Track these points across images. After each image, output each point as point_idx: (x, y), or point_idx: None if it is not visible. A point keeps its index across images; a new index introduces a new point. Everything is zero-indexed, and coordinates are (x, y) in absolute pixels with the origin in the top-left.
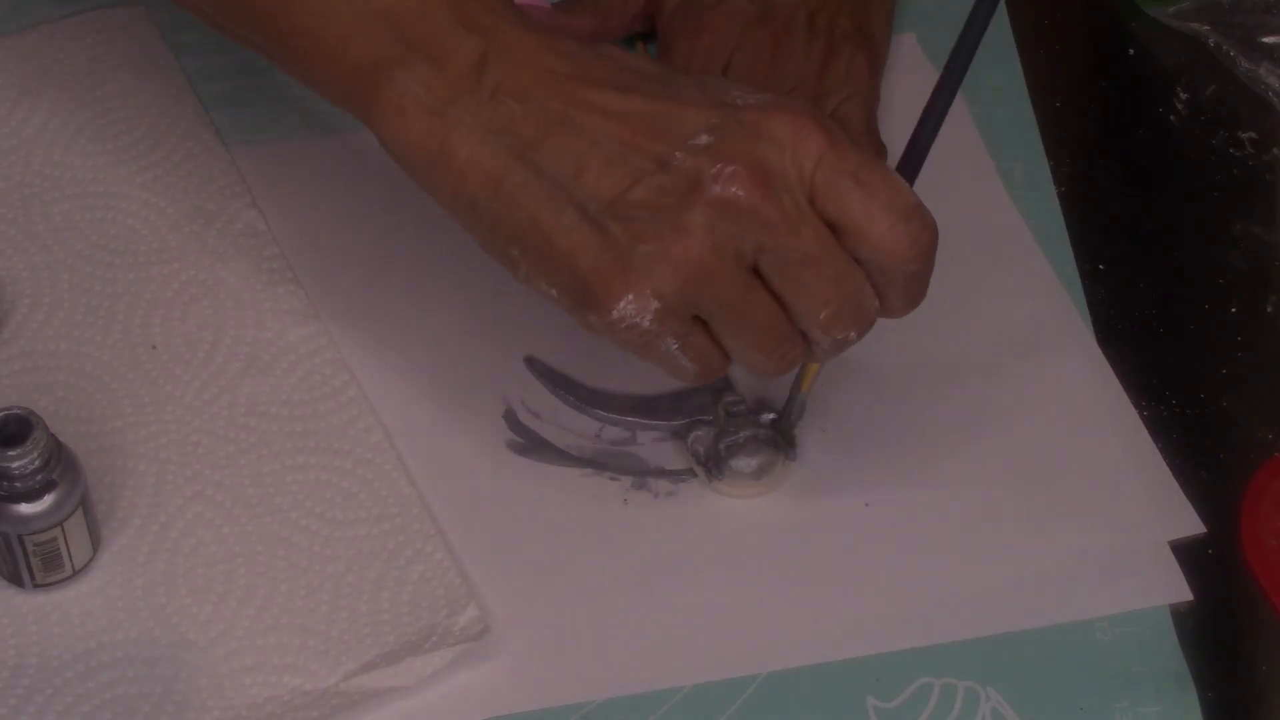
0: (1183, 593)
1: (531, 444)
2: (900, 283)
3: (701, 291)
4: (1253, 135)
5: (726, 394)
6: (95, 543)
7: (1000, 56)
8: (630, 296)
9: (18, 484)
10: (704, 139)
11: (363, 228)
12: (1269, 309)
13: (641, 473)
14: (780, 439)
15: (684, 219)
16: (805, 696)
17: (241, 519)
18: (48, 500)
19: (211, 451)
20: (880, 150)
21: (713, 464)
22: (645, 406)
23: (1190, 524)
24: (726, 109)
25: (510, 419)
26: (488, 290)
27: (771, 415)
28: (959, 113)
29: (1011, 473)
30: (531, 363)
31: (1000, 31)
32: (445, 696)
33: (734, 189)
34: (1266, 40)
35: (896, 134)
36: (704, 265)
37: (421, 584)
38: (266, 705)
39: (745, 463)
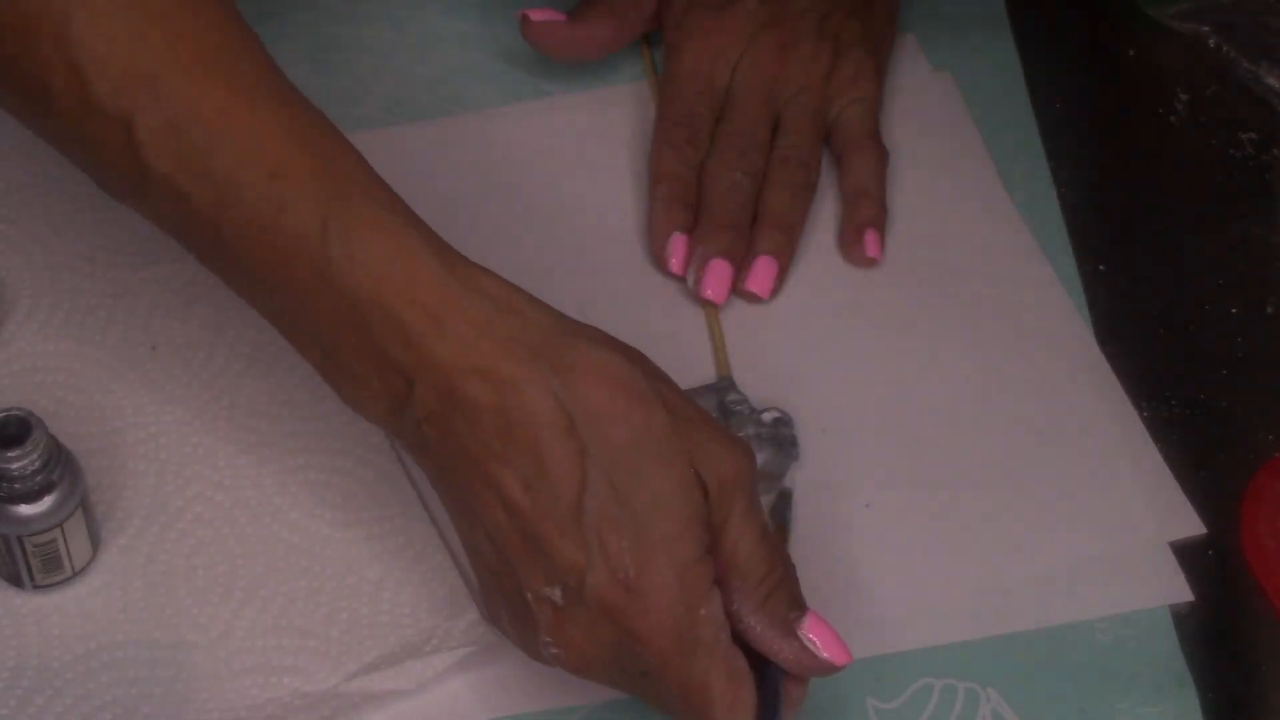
0: (1183, 593)
1: None
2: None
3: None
4: (1253, 136)
5: (730, 393)
6: (95, 544)
7: (1000, 58)
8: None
9: (17, 485)
10: (556, 593)
11: None
12: (1269, 309)
13: None
14: (782, 438)
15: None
16: (807, 696)
17: (242, 520)
18: (47, 501)
19: (212, 453)
20: (882, 155)
21: None
22: None
23: (1190, 524)
24: (585, 573)
25: None
26: None
27: (775, 414)
28: (959, 114)
29: (1011, 473)
30: None
31: (1000, 32)
32: (446, 699)
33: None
34: (1266, 40)
35: (893, 134)
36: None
37: (423, 586)
38: (267, 706)
39: None
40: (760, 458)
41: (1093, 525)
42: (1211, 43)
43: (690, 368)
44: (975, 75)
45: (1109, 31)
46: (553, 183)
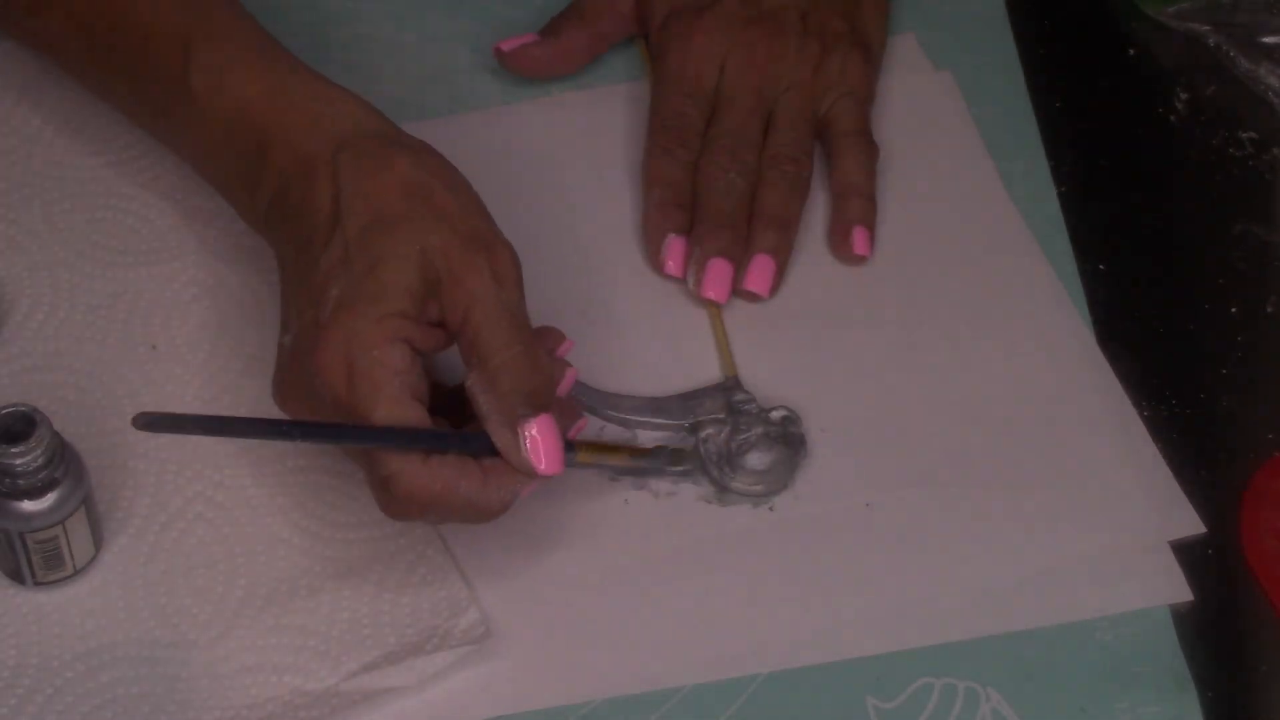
0: (1183, 593)
1: None
2: None
3: None
4: (1253, 135)
5: (736, 392)
6: (98, 542)
7: (1000, 57)
8: None
9: (20, 481)
10: (288, 339)
11: None
12: (1269, 309)
13: (640, 473)
14: (791, 437)
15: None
16: (805, 697)
17: (242, 520)
18: (50, 498)
19: (213, 452)
20: (873, 150)
21: (725, 462)
22: (657, 408)
23: (1190, 524)
24: (303, 317)
25: None
26: None
27: (783, 412)
28: (959, 113)
29: (1011, 473)
30: None
31: (1000, 32)
32: (446, 697)
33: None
34: (1266, 40)
35: (893, 133)
36: None
37: (423, 586)
38: (267, 705)
39: (759, 459)
40: (769, 457)
41: (1093, 525)
42: (1211, 42)
43: (696, 368)
44: (975, 74)
45: (1108, 30)
46: (554, 183)
